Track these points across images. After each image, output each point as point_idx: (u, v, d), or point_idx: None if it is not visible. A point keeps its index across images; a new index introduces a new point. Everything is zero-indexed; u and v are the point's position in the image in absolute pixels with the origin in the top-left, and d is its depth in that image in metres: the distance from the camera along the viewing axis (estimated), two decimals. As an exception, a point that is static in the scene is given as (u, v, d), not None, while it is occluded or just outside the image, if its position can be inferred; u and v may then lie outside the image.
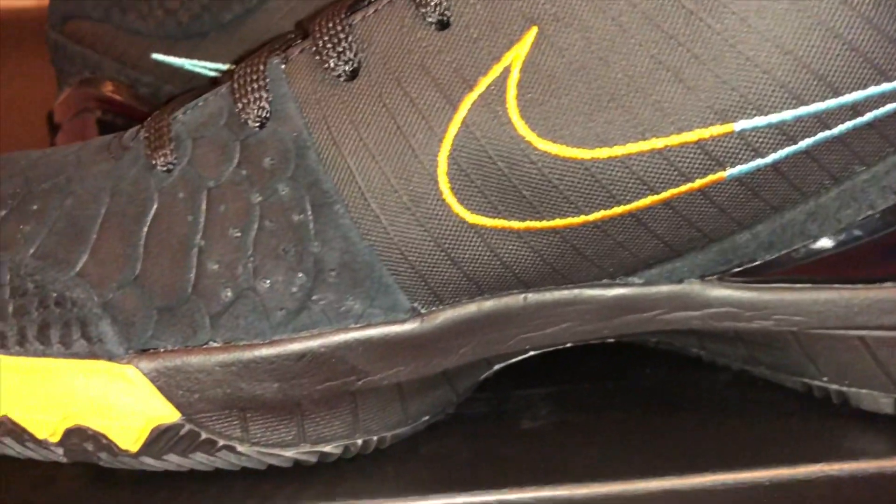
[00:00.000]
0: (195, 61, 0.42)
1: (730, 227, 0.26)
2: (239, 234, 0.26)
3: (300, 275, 0.26)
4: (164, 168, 0.27)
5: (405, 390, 0.27)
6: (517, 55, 0.25)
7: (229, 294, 0.26)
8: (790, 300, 0.27)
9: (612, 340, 0.30)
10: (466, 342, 0.27)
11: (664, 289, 0.28)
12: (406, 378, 0.27)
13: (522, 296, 0.27)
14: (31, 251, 0.26)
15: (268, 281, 0.26)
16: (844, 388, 0.28)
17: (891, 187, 0.26)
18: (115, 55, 0.43)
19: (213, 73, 0.43)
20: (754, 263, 0.27)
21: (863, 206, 0.26)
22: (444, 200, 0.25)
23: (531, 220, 0.26)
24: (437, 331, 0.27)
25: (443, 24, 0.26)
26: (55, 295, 0.26)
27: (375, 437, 0.28)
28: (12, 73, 0.61)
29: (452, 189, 0.25)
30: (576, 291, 0.27)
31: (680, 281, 0.28)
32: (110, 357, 0.26)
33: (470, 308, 0.27)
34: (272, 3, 0.39)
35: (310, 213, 0.26)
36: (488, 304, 0.27)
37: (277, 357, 0.26)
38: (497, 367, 0.29)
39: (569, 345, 0.29)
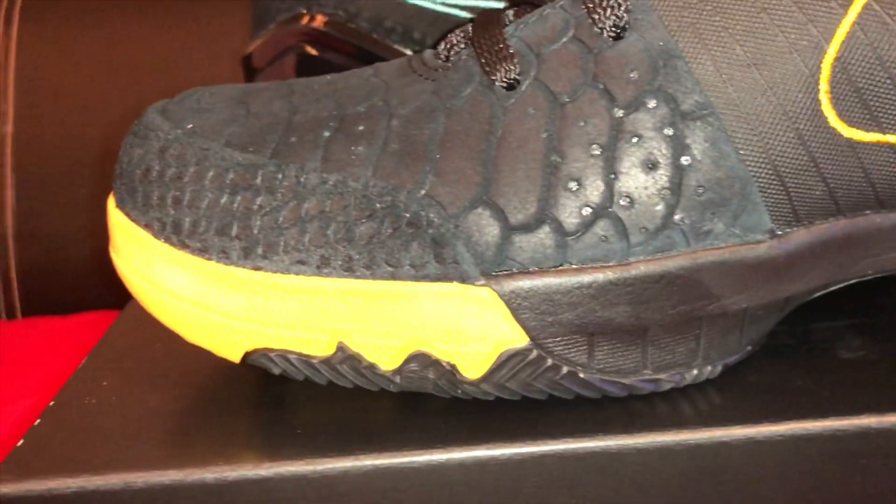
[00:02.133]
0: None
1: None
2: (599, 151, 0.25)
3: (665, 191, 0.25)
4: (506, 85, 0.26)
5: (747, 317, 0.26)
6: (907, -45, 0.24)
7: (588, 213, 0.25)
8: None
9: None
10: (818, 265, 0.26)
11: None
12: (755, 303, 0.26)
13: (877, 216, 0.26)
14: (371, 172, 0.25)
15: (630, 199, 0.25)
16: None
17: None
18: (335, -11, 0.42)
19: (427, 4, 0.42)
20: None
21: None
22: (821, 111, 0.24)
23: (911, 133, 0.24)
24: (793, 253, 0.25)
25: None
26: (408, 216, 0.25)
27: (709, 367, 0.27)
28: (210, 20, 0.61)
29: (832, 99, 0.24)
30: (932, 212, 0.26)
31: None
32: (464, 279, 0.25)
33: (824, 229, 0.26)
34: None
35: (679, 125, 0.25)
36: (841, 225, 0.26)
37: (636, 279, 0.25)
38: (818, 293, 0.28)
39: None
